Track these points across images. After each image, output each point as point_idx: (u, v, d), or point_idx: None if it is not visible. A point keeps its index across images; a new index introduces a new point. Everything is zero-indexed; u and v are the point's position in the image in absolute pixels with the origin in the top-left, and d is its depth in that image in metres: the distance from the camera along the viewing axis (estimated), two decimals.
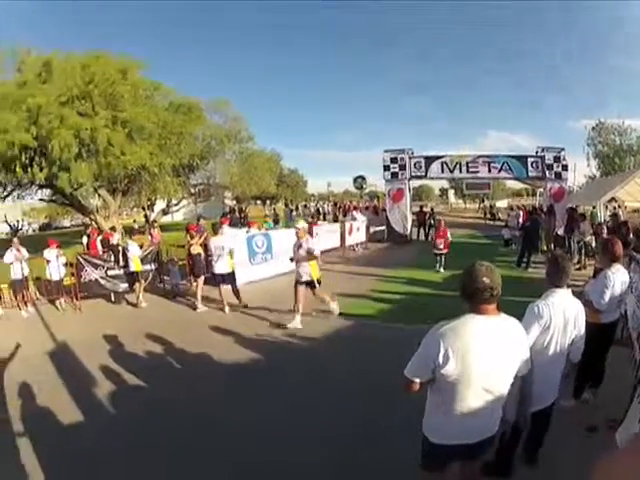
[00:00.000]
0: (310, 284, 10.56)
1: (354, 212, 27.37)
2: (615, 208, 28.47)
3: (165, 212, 30.85)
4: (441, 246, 17.62)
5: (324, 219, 32.92)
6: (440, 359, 3.13)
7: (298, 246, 10.62)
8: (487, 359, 3.18)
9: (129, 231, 15.24)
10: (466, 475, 3.84)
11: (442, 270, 17.29)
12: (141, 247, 13.46)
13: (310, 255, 10.40)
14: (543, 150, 27.57)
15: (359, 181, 29.52)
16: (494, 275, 3.25)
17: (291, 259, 10.92)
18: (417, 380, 3.31)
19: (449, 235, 18.04)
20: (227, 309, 11.85)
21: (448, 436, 3.41)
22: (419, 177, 29.18)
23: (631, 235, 13.39)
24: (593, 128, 54.53)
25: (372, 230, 27.80)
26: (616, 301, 6.19)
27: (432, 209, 33.42)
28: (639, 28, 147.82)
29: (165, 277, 14.56)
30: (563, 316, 4.43)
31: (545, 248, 21.91)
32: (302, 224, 11.15)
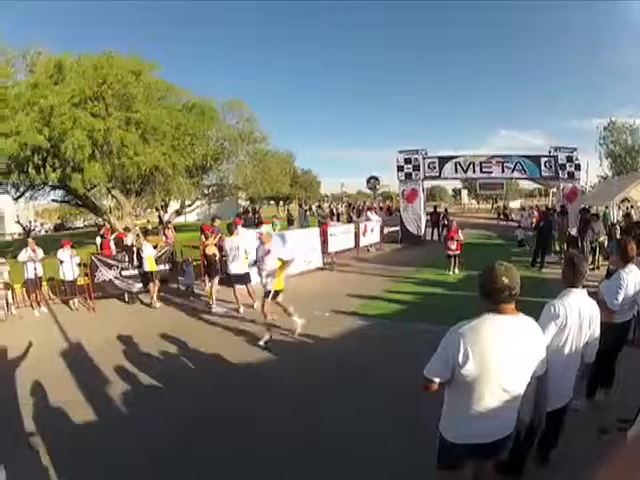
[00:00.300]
0: (272, 294, 9.74)
1: (368, 213, 27.29)
2: (628, 208, 28.38)
3: (179, 213, 30.63)
4: (453, 247, 17.16)
5: (338, 220, 32.84)
6: (460, 359, 3.15)
7: (265, 252, 9.90)
8: (505, 359, 3.20)
9: (143, 232, 15.30)
10: (481, 474, 3.84)
11: (456, 272, 16.95)
12: (155, 247, 13.43)
13: (281, 263, 9.79)
14: (556, 150, 27.58)
15: (372, 182, 29.45)
16: (513, 275, 3.27)
17: (252, 264, 10.52)
18: (436, 380, 3.32)
19: (461, 236, 17.62)
20: (242, 309, 11.79)
21: (465, 435, 3.43)
22: (433, 177, 29.16)
23: None
24: (605, 128, 54.57)
25: (386, 231, 27.78)
26: (629, 301, 6.16)
27: (446, 210, 33.29)
28: None
29: (180, 277, 14.57)
30: (579, 316, 4.44)
31: (558, 248, 22.01)
32: (266, 228, 11.29)
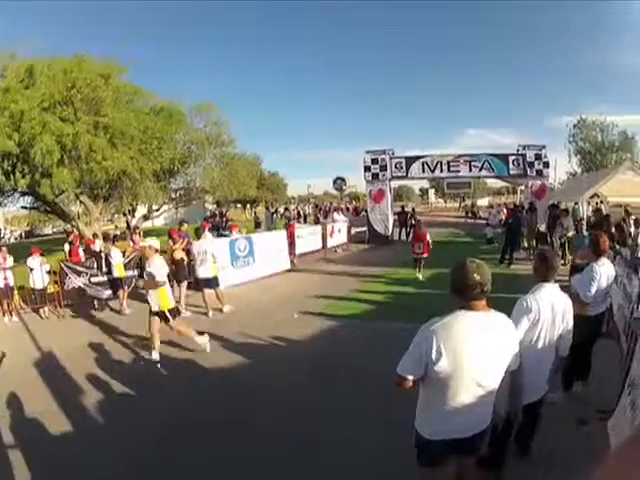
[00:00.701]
0: (161, 316, 8.96)
1: (335, 214, 27.57)
2: (597, 204, 28.87)
3: (146, 217, 30.52)
4: (420, 250, 15.99)
5: (305, 221, 32.89)
6: (433, 356, 3.18)
7: (151, 267, 8.98)
8: (478, 354, 3.24)
9: (111, 237, 15.10)
10: (463, 469, 3.89)
11: (421, 277, 15.88)
12: (124, 254, 13.44)
13: (153, 281, 8.89)
14: (524, 148, 27.83)
15: (339, 182, 29.65)
16: (484, 271, 3.34)
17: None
18: (410, 377, 3.35)
19: (429, 238, 16.22)
20: (211, 313, 11.85)
21: (441, 431, 3.47)
22: (400, 177, 29.46)
23: (613, 229, 13.81)
24: (574, 125, 55.57)
25: (353, 231, 28.11)
26: (603, 294, 6.35)
27: (413, 209, 33.47)
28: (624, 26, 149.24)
29: None
30: (552, 310, 4.53)
31: (527, 245, 22.32)
32: (150, 241, 9.73)
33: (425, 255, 16.14)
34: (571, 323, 4.74)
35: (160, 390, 7.46)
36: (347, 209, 35.60)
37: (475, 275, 3.27)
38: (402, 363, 3.39)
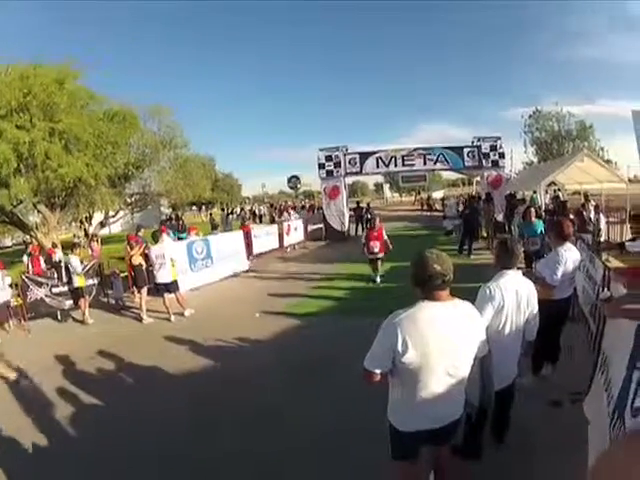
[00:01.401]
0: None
1: (285, 213, 27.83)
2: (555, 191, 29.41)
3: (103, 224, 30.09)
4: (376, 249, 14.33)
5: (260, 221, 32.93)
6: (399, 348, 3.19)
7: None
8: (445, 344, 3.27)
9: (70, 246, 14.77)
10: (437, 460, 4.00)
11: (379, 280, 14.57)
12: (82, 262, 13.22)
13: None
14: (479, 140, 28.35)
15: (293, 181, 29.65)
16: (445, 261, 3.38)
17: None
18: (377, 371, 3.36)
19: (385, 235, 14.60)
20: (173, 318, 11.82)
21: (414, 423, 3.49)
22: (355, 173, 29.77)
23: (572, 216, 14.03)
24: (530, 116, 56.53)
25: (310, 229, 28.19)
26: (569, 277, 6.50)
27: (368, 204, 33.46)
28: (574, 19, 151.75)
29: (109, 291, 14.39)
30: (516, 296, 4.64)
31: (485, 235, 22.62)
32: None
33: (382, 254, 14.56)
34: (536, 308, 4.89)
35: (128, 399, 7.36)
36: (302, 207, 35.77)
37: (435, 265, 3.31)
38: (368, 357, 3.41)
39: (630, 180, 40.94)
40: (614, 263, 10.44)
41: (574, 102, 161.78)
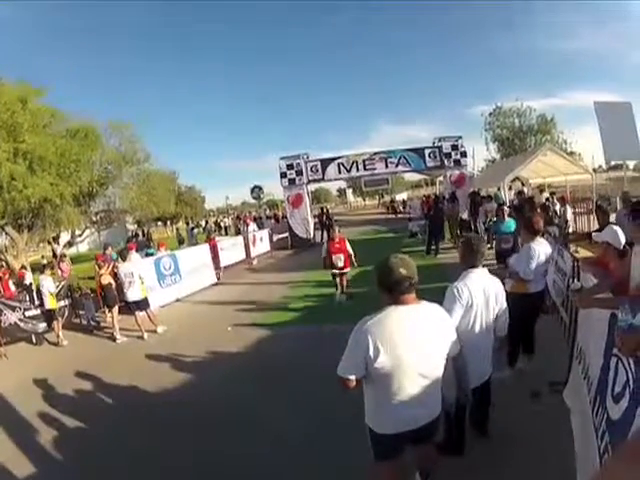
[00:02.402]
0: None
1: (244, 224, 28.03)
2: (520, 187, 29.87)
3: (71, 244, 30.10)
4: (340, 263, 12.76)
5: (226, 233, 32.95)
6: (371, 353, 3.25)
7: None
8: (416, 346, 3.33)
9: (40, 267, 14.35)
10: (421, 458, 4.09)
11: (343, 299, 12.97)
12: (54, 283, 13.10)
13: None
14: (440, 140, 28.77)
15: (256, 191, 29.61)
16: (409, 265, 3.46)
17: None
18: (351, 377, 3.40)
19: (349, 246, 13.02)
20: (146, 336, 11.77)
21: (392, 425, 3.55)
22: (317, 181, 30.16)
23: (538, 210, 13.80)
24: (490, 113, 56.66)
25: (275, 238, 28.33)
26: (542, 270, 6.70)
27: (326, 209, 34.07)
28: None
29: (80, 311, 14.25)
30: (484, 294, 4.72)
31: (451, 234, 22.86)
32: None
33: (348, 269, 13.06)
34: (505, 304, 4.98)
35: (107, 419, 7.36)
36: (267, 217, 35.92)
37: (401, 270, 3.38)
38: (342, 364, 3.45)
39: (595, 170, 41.65)
40: (583, 253, 10.80)
41: (538, 96, 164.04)
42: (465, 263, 4.92)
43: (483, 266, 4.92)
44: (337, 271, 13.03)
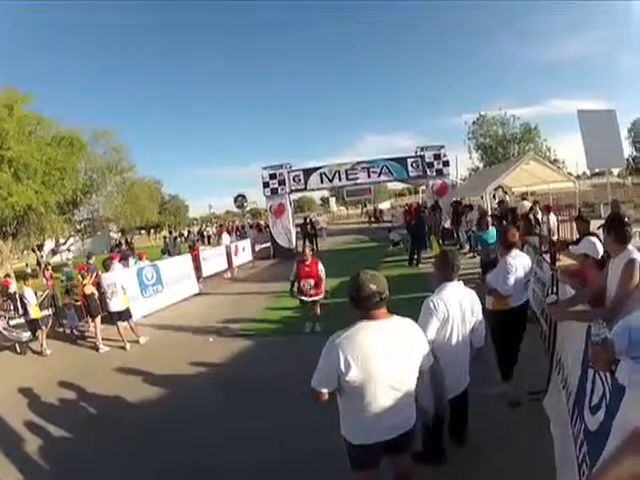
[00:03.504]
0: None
1: (222, 235, 27.95)
2: (502, 195, 29.95)
3: (55, 252, 30.12)
4: (311, 290, 10.96)
5: (208, 242, 32.99)
6: (342, 367, 3.32)
7: None
8: (387, 360, 3.39)
9: (23, 276, 14.47)
10: (398, 468, 4.03)
11: (317, 328, 11.06)
12: (36, 293, 13.04)
13: None
14: (422, 149, 28.81)
15: (240, 200, 29.73)
16: (379, 280, 3.52)
17: None
18: (324, 390, 3.49)
19: (322, 270, 11.12)
20: (128, 346, 11.75)
21: (367, 436, 3.60)
22: (299, 190, 30.19)
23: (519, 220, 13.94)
24: (474, 122, 57.09)
25: (258, 248, 28.59)
26: (522, 284, 6.51)
27: (309, 219, 33.76)
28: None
29: (64, 320, 14.38)
30: (460, 307, 4.77)
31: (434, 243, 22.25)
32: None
33: (321, 296, 11.20)
34: (481, 316, 5.05)
35: (91, 430, 7.40)
36: (250, 226, 35.89)
37: (371, 285, 3.44)
38: (315, 378, 3.52)
39: (579, 177, 41.73)
40: (565, 261, 11.20)
41: (524, 104, 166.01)
42: (440, 277, 4.98)
43: (458, 279, 4.97)
44: (306, 299, 11.14)
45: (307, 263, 11.09)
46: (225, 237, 26.64)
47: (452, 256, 4.97)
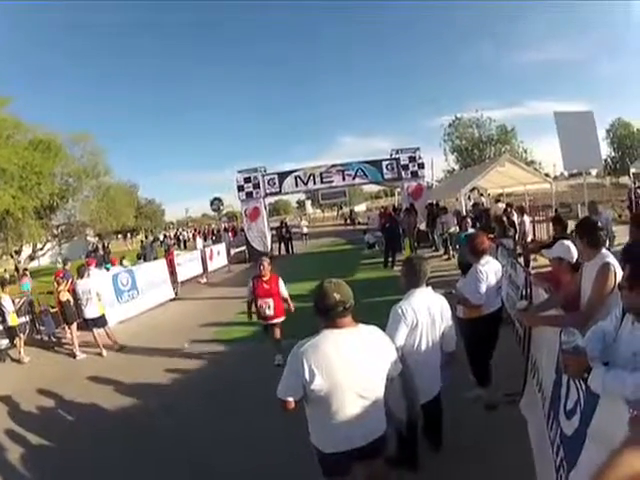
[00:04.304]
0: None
1: (197, 239, 28.62)
2: (477, 197, 30.21)
3: (32, 258, 30.03)
4: (269, 311, 9.22)
5: (185, 246, 33.05)
6: (307, 377, 3.32)
7: None
8: (353, 368, 3.39)
9: (1, 282, 14.19)
10: (370, 476, 3.91)
11: (279, 360, 8.93)
12: (13, 301, 12.94)
13: None
14: (398, 152, 29.31)
15: (216, 203, 29.35)
16: (344, 289, 3.52)
17: None
18: (290, 399, 3.46)
19: (282, 287, 9.49)
20: (104, 352, 11.77)
21: (335, 444, 3.58)
22: (274, 194, 30.48)
23: (493, 223, 14.38)
24: (450, 124, 57.93)
25: (233, 252, 28.77)
26: (494, 290, 6.38)
27: (284, 222, 33.84)
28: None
29: (41, 327, 14.25)
30: (429, 313, 4.75)
31: (410, 247, 22.57)
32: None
33: (281, 318, 9.45)
34: (450, 320, 5.04)
35: (70, 437, 7.44)
36: (225, 230, 35.25)
37: (335, 294, 3.44)
38: (280, 387, 3.51)
39: (557, 177, 42.13)
40: (541, 261, 11.44)
41: (503, 105, 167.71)
42: (407, 284, 4.93)
43: (427, 284, 4.96)
44: (265, 322, 9.46)
45: (265, 279, 9.34)
46: (199, 242, 27.16)
47: (418, 262, 4.95)
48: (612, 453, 1.76)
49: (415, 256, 5.70)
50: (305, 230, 38.40)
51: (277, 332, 9.45)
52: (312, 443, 3.72)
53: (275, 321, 9.39)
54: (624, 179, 52.01)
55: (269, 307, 9.21)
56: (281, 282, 9.51)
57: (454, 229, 18.72)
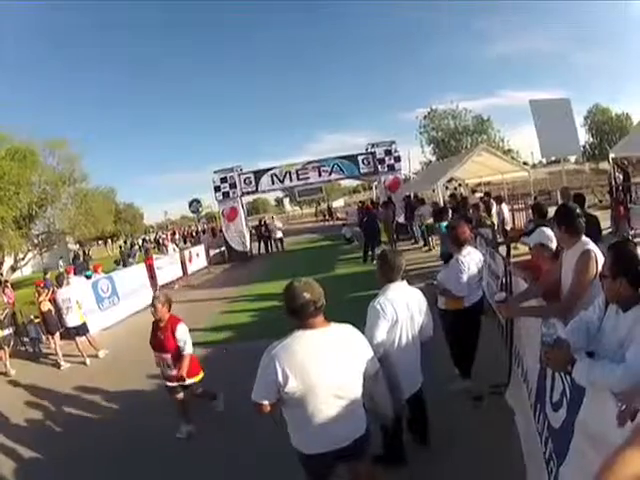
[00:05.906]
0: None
1: (170, 244, 28.66)
2: (456, 188, 30.99)
3: (14, 269, 29.72)
4: (169, 371, 6.80)
5: (165, 250, 33.27)
6: (280, 379, 3.28)
7: None
8: (327, 368, 3.36)
9: None
10: (355, 476, 3.93)
11: (183, 432, 7.01)
12: None
13: None
14: (373, 146, 29.59)
15: (194, 205, 30.27)
16: (314, 288, 3.48)
17: None
18: (265, 402, 3.42)
19: (182, 338, 6.65)
20: (88, 361, 11.74)
21: (315, 445, 3.56)
22: (251, 193, 30.88)
23: (471, 212, 14.58)
24: (425, 116, 58.50)
25: (212, 253, 28.95)
26: (476, 281, 6.40)
27: (264, 221, 34.37)
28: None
29: (25, 338, 14.03)
30: (407, 308, 4.72)
31: (387, 239, 23.06)
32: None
33: (192, 380, 6.98)
34: (429, 313, 5.04)
35: (59, 449, 7.42)
36: (203, 231, 37.13)
37: (305, 294, 3.40)
38: (255, 390, 3.46)
39: (535, 165, 42.55)
40: (522, 249, 11.56)
41: (479, 96, 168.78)
42: (383, 278, 4.85)
43: (403, 278, 4.90)
44: (170, 384, 6.93)
45: (160, 325, 6.76)
46: (170, 247, 27.14)
47: (393, 257, 4.87)
48: (616, 451, 1.79)
49: (390, 250, 5.58)
50: (279, 235, 32.63)
51: (178, 400, 7.08)
52: (294, 446, 3.70)
53: (183, 384, 6.93)
54: (604, 165, 52.61)
55: (168, 365, 6.75)
56: (181, 329, 6.73)
57: (430, 220, 18.86)
